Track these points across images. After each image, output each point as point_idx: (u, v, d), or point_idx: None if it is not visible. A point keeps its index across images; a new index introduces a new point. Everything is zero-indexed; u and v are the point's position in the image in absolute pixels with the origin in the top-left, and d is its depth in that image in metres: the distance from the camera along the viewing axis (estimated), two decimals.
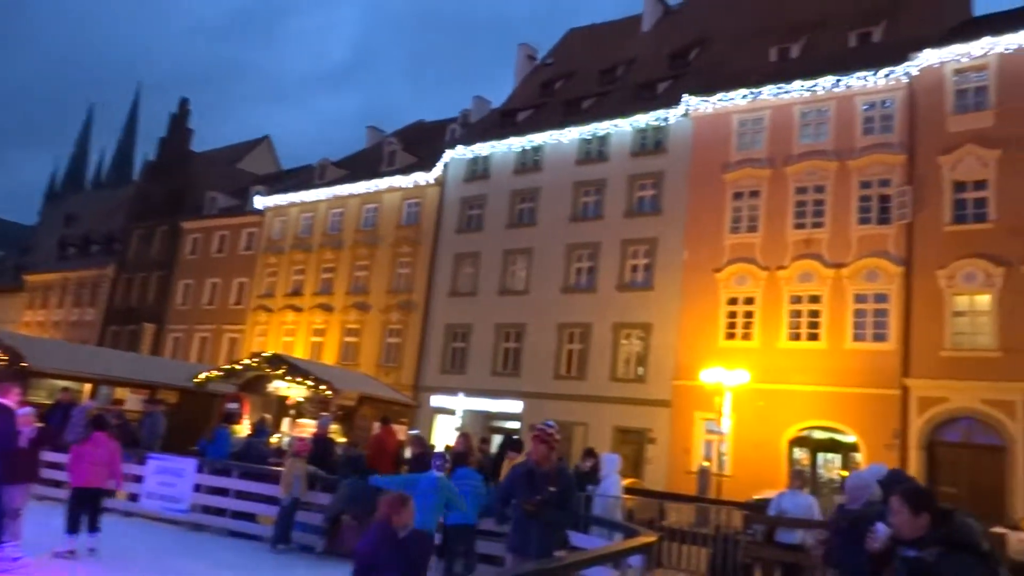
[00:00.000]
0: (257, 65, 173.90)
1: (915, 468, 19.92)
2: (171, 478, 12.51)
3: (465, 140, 34.75)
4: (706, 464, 21.77)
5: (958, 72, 22.84)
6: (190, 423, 17.81)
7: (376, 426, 16.32)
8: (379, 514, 5.46)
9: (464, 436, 12.08)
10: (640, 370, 26.68)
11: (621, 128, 29.35)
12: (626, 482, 20.44)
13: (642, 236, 27.65)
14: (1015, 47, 21.92)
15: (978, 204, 21.62)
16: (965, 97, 22.70)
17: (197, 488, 12.49)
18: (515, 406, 28.76)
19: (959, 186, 21.98)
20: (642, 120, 28.87)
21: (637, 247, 27.80)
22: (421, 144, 38.39)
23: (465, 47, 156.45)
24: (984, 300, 20.86)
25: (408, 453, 14.37)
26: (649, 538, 8.47)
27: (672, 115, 27.98)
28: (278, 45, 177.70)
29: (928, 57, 23.10)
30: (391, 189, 36.17)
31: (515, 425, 28.57)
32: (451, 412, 29.47)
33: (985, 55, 22.41)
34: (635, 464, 24.95)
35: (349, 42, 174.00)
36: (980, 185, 21.72)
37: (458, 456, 11.30)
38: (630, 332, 27.24)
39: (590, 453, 12.47)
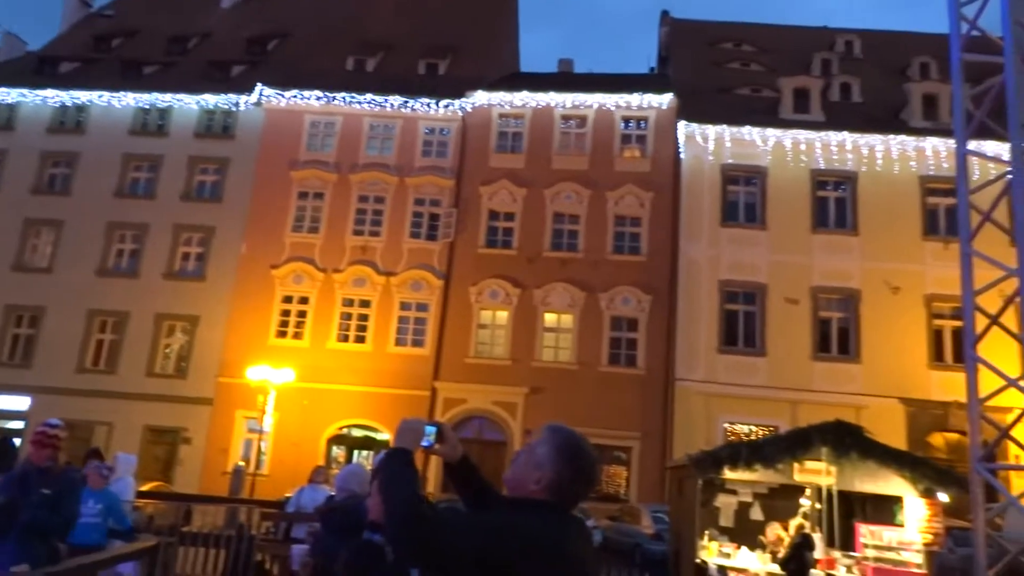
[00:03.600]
0: None
1: (435, 463, 22.00)
2: None
3: None
4: (242, 464, 21.09)
5: (502, 116, 26.26)
6: None
7: None
8: None
9: None
10: (182, 365, 24.79)
11: (186, 104, 27.16)
12: (150, 485, 18.82)
13: (198, 223, 25.84)
14: (544, 105, 26.06)
15: (506, 233, 25.04)
16: (505, 139, 26.18)
17: None
18: (21, 403, 24.30)
19: (493, 215, 25.20)
20: (211, 100, 27.13)
21: (191, 234, 25.89)
22: None
23: None
24: (503, 316, 24.17)
25: None
26: (146, 544, 7.72)
27: (244, 102, 26.84)
28: None
29: (480, 98, 26.11)
30: None
31: (19, 425, 24.15)
32: None
33: (523, 106, 26.18)
34: (166, 466, 23.16)
35: None
36: (510, 216, 25.18)
37: None
38: (175, 324, 25.18)
39: (95, 454, 10.98)
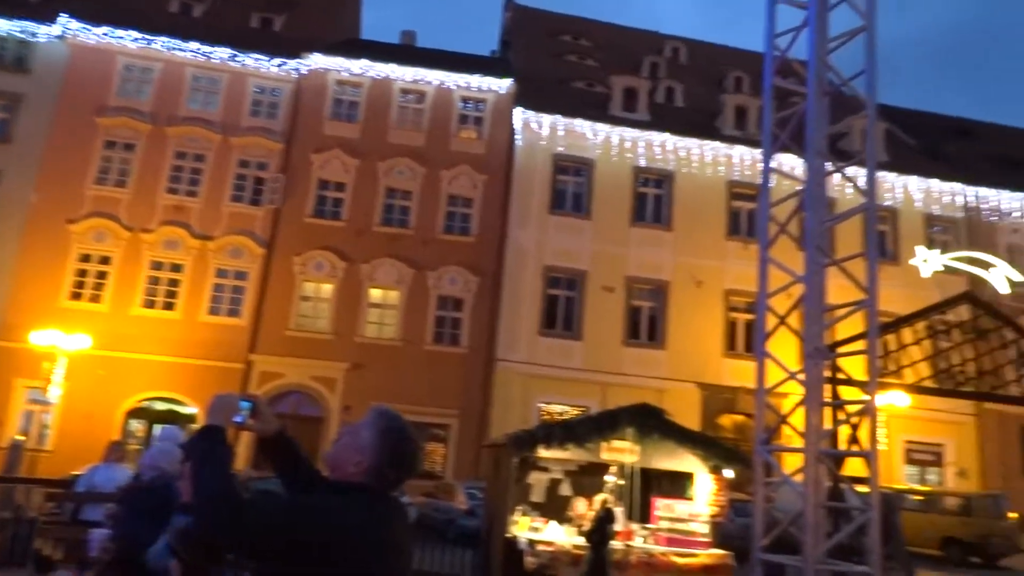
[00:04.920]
0: None
1: (247, 441, 21.09)
2: None
3: None
4: (20, 438, 19.03)
5: (339, 83, 25.40)
6: None
7: None
8: None
9: None
10: None
11: None
12: None
13: None
14: (383, 76, 25.51)
15: (336, 203, 24.34)
16: (341, 106, 25.36)
17: None
18: None
19: (323, 184, 24.40)
20: (3, 27, 23.96)
21: None
22: None
23: None
24: (327, 289, 23.54)
25: None
26: None
27: (45, 33, 23.97)
28: None
29: (317, 61, 25.09)
30: None
31: None
32: None
33: (362, 75, 25.47)
34: None
35: None
36: (340, 187, 24.48)
37: None
38: None
39: None
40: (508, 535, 10.45)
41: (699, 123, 26.78)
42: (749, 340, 23.72)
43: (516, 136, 25.19)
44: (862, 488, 11.16)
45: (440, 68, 25.87)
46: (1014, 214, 27.42)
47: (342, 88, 25.42)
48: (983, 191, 27.32)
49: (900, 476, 23.79)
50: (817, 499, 5.89)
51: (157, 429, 22.06)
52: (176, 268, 22.84)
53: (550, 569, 10.27)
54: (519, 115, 25.19)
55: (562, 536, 10.66)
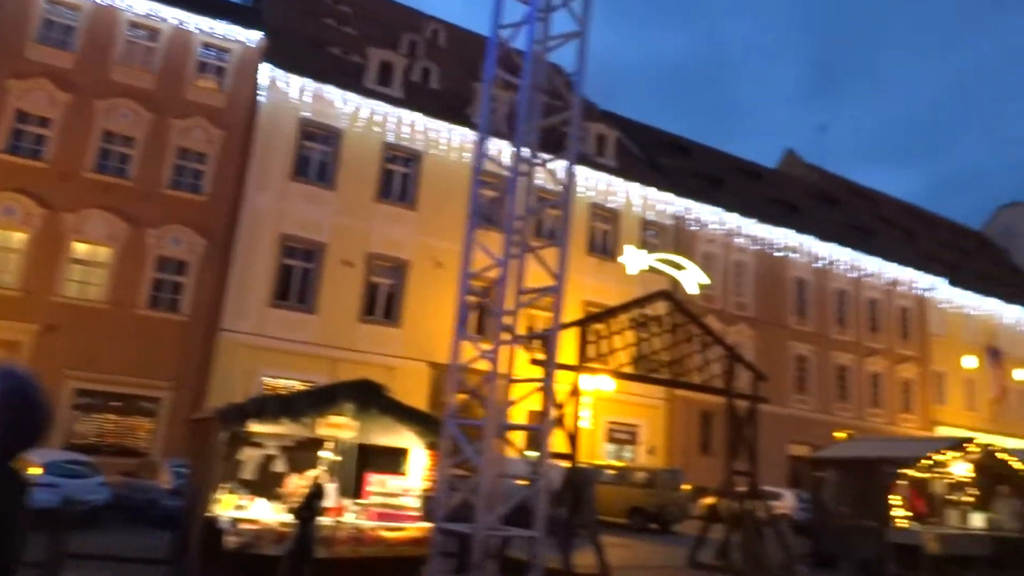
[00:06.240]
0: None
1: None
2: None
3: None
4: None
5: (50, 1, 22.03)
6: None
7: None
8: None
9: None
10: None
11: None
12: None
13: None
14: (108, 3, 22.52)
15: (38, 140, 21.14)
16: (51, 29, 22.04)
17: None
18: None
19: (22, 116, 21.05)
20: None
21: None
22: None
23: None
24: (19, 238, 20.39)
25: None
26: None
27: None
28: None
29: None
30: None
31: None
32: None
33: None
34: None
35: None
36: (45, 122, 21.29)
37: None
38: None
39: None
40: (209, 514, 9.82)
41: (451, 107, 27.22)
42: (481, 322, 24.67)
43: (261, 94, 23.71)
44: (564, 463, 12.15)
45: (179, 6, 23.50)
46: (711, 226, 31.51)
47: (54, 8, 22.10)
48: (690, 203, 31.02)
49: (602, 453, 26.33)
50: (496, 470, 6.23)
51: None
52: None
53: (254, 547, 9.82)
54: (266, 72, 23.74)
55: (269, 513, 10.25)
